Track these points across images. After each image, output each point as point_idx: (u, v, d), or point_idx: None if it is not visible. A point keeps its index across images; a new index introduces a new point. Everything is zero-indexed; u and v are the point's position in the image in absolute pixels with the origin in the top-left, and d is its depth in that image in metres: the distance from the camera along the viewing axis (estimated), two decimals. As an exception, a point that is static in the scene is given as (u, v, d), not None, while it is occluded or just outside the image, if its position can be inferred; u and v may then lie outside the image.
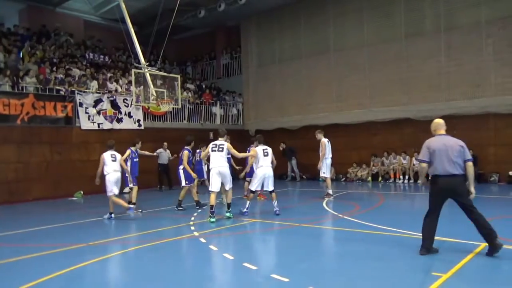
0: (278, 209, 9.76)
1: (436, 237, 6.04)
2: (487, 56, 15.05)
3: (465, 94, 15.42)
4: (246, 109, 22.24)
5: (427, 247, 5.81)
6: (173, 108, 17.09)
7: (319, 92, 19.37)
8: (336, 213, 9.82)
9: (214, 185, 9.34)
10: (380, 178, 17.23)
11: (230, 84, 23.27)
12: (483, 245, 5.92)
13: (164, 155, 16.17)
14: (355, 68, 18.21)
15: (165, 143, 16.24)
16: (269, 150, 10.01)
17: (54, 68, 15.84)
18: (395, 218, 9.30)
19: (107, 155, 9.99)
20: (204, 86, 22.33)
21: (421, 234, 5.94)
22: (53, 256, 6.73)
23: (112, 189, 9.91)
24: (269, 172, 9.85)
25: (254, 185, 9.84)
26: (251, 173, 12.28)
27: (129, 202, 11.11)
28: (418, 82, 16.52)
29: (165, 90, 15.68)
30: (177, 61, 24.53)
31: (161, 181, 16.67)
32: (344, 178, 18.29)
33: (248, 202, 10.02)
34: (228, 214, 9.55)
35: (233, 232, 8.43)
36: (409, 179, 16.52)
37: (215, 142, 9.54)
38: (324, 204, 11.31)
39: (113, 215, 10.01)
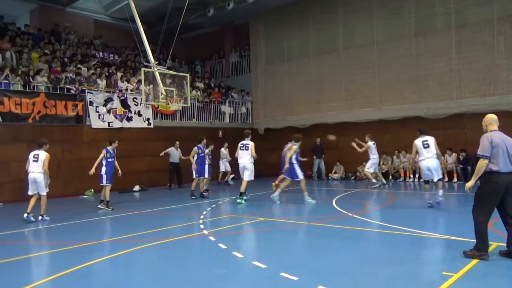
0: (441, 198, 9.72)
1: (447, 236, 6.01)
2: (499, 54, 14.85)
3: (476, 92, 15.26)
4: (255, 108, 22.20)
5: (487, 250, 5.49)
6: (182, 106, 17.10)
7: (328, 90, 19.28)
8: (346, 212, 9.78)
9: (242, 175, 11.84)
10: (390, 177, 17.12)
11: (239, 82, 23.22)
12: (495, 245, 5.86)
13: (175, 153, 16.24)
14: (364, 66, 18.07)
15: (177, 142, 16.28)
16: (430, 140, 9.83)
17: (65, 68, 15.97)
18: (405, 217, 9.23)
19: (31, 155, 9.67)
20: (213, 85, 22.35)
21: (432, 233, 5.86)
22: (63, 253, 6.78)
23: (30, 188, 9.64)
24: (432, 163, 9.74)
25: (425, 177, 9.95)
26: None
27: (101, 201, 11.37)
28: (428, 80, 16.38)
29: (174, 89, 15.68)
30: (186, 60, 24.58)
31: (171, 180, 16.71)
32: (353, 177, 18.21)
33: (440, 191, 9.86)
34: (239, 200, 11.51)
35: (242, 230, 8.44)
36: (419, 178, 16.39)
37: (242, 142, 11.73)
38: (333, 203, 11.27)
39: (30, 216, 9.49)
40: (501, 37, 14.84)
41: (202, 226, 8.56)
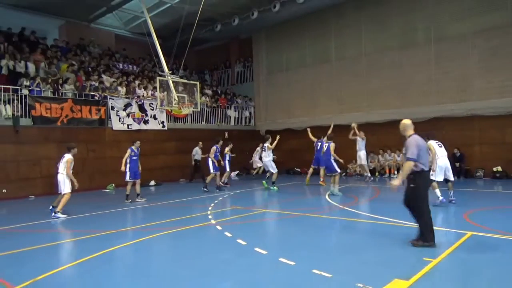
0: (454, 198, 9.23)
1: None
2: (473, 64, 14.83)
3: (453, 98, 15.23)
4: (258, 112, 22.18)
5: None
6: (192, 111, 17.09)
7: (322, 97, 19.27)
8: (338, 204, 9.77)
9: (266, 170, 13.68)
10: (377, 173, 17.07)
11: (243, 89, 23.22)
12: (470, 234, 5.84)
13: (199, 152, 16.36)
14: (354, 75, 18.07)
15: (200, 142, 16.40)
16: (440, 143, 9.42)
17: (89, 77, 16.00)
18: (389, 209, 9.20)
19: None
20: (220, 92, 22.34)
21: (412, 223, 5.85)
22: (88, 240, 6.80)
23: None
24: (446, 162, 9.27)
25: (437, 176, 9.10)
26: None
27: (137, 195, 11.35)
28: (410, 87, 16.34)
29: (185, 95, 15.65)
30: (196, 70, 24.57)
31: (192, 174, 16.79)
32: (344, 173, 18.15)
33: (437, 190, 9.20)
34: (272, 188, 12.96)
35: (246, 220, 8.42)
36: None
37: (264, 144, 13.53)
38: (326, 196, 11.25)
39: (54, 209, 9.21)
40: (474, 50, 14.82)
41: (210, 217, 8.56)
